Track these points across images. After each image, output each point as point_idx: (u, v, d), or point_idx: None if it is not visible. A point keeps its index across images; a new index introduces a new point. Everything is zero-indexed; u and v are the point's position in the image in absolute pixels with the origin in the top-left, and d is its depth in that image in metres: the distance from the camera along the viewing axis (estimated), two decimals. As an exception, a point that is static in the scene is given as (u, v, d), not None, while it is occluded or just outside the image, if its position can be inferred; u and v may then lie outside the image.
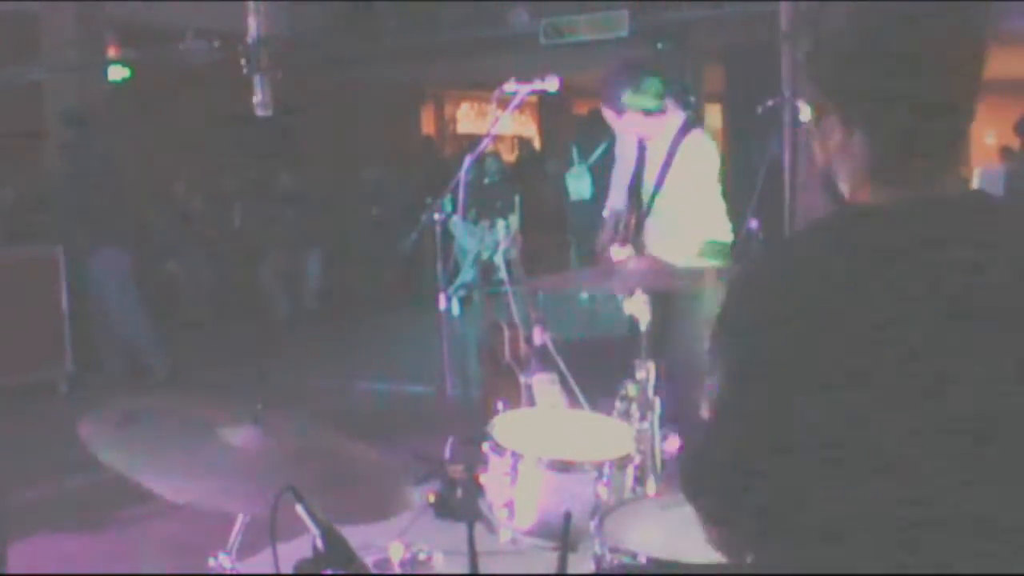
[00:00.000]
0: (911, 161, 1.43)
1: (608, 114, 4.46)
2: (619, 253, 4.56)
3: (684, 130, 4.44)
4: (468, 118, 17.82)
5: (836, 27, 1.47)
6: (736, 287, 1.49)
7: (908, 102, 1.41)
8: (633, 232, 4.49)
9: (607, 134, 5.35)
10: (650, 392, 2.92)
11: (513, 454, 2.76)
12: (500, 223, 7.04)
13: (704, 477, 1.53)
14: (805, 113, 1.52)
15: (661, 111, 4.36)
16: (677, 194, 4.42)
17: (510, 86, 4.58)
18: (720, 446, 1.48)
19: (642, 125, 4.41)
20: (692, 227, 4.41)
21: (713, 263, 4.09)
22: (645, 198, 4.51)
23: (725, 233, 4.53)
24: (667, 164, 4.44)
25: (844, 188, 1.50)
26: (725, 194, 4.48)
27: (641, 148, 4.55)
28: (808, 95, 1.53)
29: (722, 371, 1.47)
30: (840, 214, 1.48)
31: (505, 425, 2.96)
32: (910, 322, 1.36)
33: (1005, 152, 10.93)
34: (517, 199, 11.46)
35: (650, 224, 4.50)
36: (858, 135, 1.45)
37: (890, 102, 1.42)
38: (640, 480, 2.78)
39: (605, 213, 4.85)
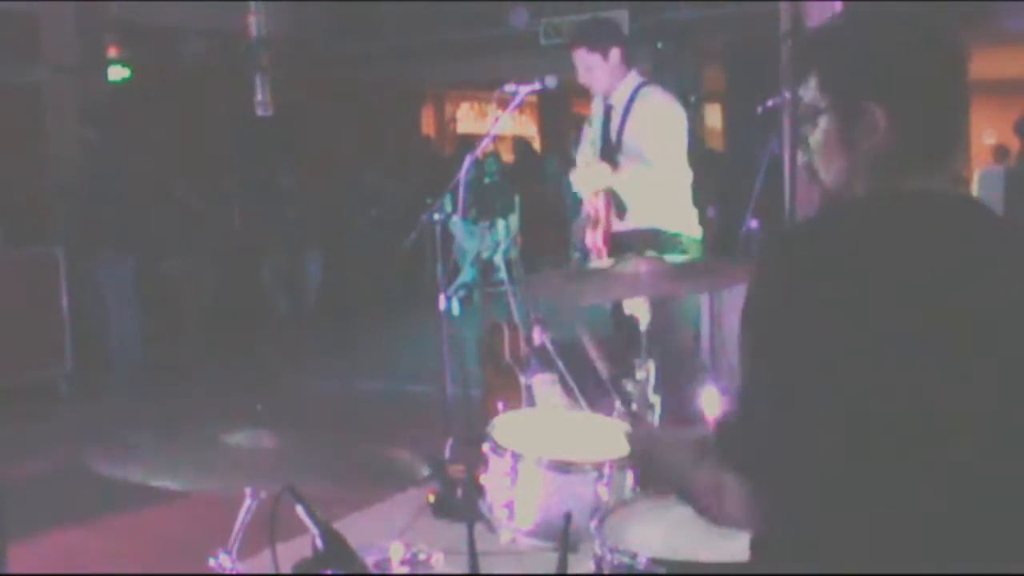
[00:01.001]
0: (940, 152, 1.50)
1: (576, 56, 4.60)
2: (592, 238, 4.62)
3: (640, 87, 4.56)
4: (468, 118, 17.82)
5: (879, 35, 1.53)
6: (762, 273, 1.51)
7: (933, 84, 1.49)
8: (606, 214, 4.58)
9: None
10: (650, 392, 2.93)
11: (513, 454, 2.76)
12: (500, 223, 7.04)
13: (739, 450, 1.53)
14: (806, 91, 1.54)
15: (601, 49, 4.49)
16: (636, 150, 4.49)
17: (510, 86, 4.60)
18: (750, 422, 1.50)
19: (596, 70, 4.51)
20: (656, 188, 4.47)
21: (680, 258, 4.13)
22: (610, 160, 4.59)
23: (687, 219, 4.59)
24: (623, 120, 4.54)
25: (828, 178, 1.55)
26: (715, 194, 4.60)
27: (607, 109, 4.62)
28: (821, 93, 1.54)
29: (748, 355, 1.50)
30: (869, 198, 1.51)
31: (505, 425, 2.96)
32: (923, 309, 1.39)
33: (999, 151, 10.91)
34: (517, 199, 11.47)
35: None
36: (881, 110, 1.49)
37: (915, 80, 1.49)
38: (640, 481, 2.78)
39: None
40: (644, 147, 4.49)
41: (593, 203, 4.64)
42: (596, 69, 4.53)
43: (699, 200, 4.68)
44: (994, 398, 1.38)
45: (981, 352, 1.38)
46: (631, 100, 4.55)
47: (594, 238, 4.65)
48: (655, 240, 4.29)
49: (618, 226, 4.59)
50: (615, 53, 4.54)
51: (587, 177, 4.56)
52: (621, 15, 10.86)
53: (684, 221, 4.58)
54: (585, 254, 4.81)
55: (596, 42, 4.55)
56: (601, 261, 4.42)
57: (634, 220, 4.55)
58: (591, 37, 4.61)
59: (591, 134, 4.75)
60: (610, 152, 4.62)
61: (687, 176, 4.61)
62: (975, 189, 8.62)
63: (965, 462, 1.37)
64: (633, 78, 4.59)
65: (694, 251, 4.56)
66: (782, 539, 1.50)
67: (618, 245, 4.45)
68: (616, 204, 4.58)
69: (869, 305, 1.40)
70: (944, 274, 1.41)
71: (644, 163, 4.49)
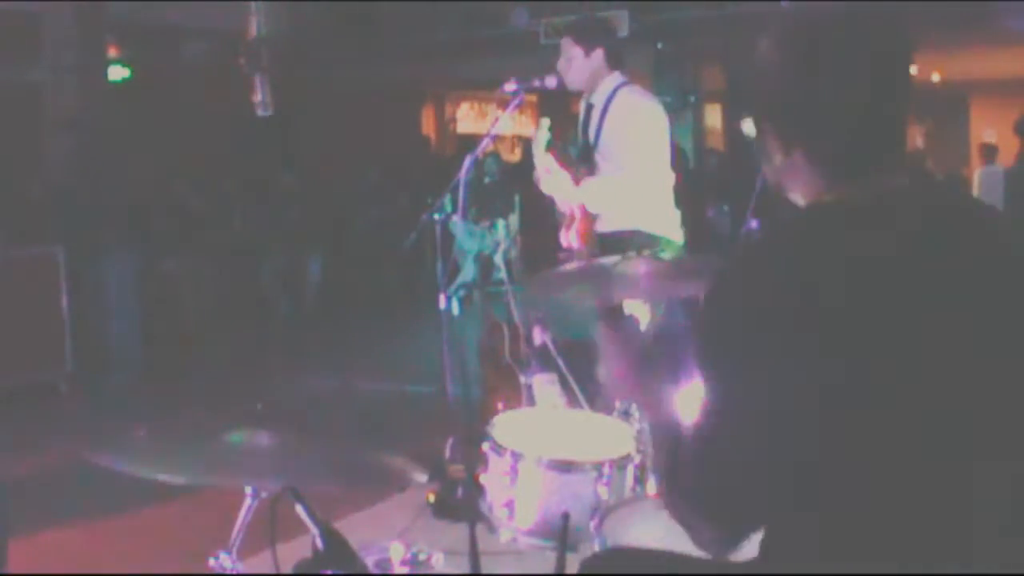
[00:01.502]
0: (856, 167, 1.47)
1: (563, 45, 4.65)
2: (568, 237, 4.63)
3: (619, 87, 4.57)
4: (468, 118, 17.82)
5: (764, 51, 1.51)
6: (717, 289, 1.50)
7: (839, 113, 1.45)
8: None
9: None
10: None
11: (513, 454, 2.76)
12: (500, 223, 7.04)
13: (699, 477, 1.51)
14: (749, 127, 1.55)
15: (585, 45, 4.52)
16: (612, 150, 4.50)
17: (510, 86, 4.60)
18: (715, 445, 1.48)
19: (574, 62, 4.54)
20: (626, 194, 4.48)
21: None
22: (586, 159, 4.61)
23: (668, 222, 4.59)
24: (601, 120, 4.56)
25: (798, 200, 1.54)
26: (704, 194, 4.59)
27: (587, 108, 4.63)
28: (752, 119, 1.57)
29: (711, 372, 1.47)
30: (807, 212, 1.52)
31: (505, 425, 2.96)
32: (887, 312, 1.38)
33: (986, 149, 10.86)
34: (517, 199, 11.46)
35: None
36: (798, 152, 1.49)
37: (822, 115, 1.46)
38: (640, 480, 2.78)
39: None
40: (620, 148, 4.49)
41: (568, 203, 4.64)
42: (574, 61, 4.56)
43: (700, 199, 4.69)
44: (961, 397, 1.37)
45: (949, 351, 1.38)
46: (609, 100, 4.56)
47: (568, 237, 4.65)
48: (636, 242, 4.27)
49: (599, 227, 4.60)
50: (598, 53, 4.56)
51: (552, 185, 4.57)
52: (621, 15, 10.87)
53: (665, 224, 4.58)
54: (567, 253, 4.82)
55: (582, 36, 4.59)
56: (601, 260, 4.41)
57: (616, 222, 4.55)
58: (579, 30, 4.66)
59: (544, 137, 4.76)
60: (587, 151, 4.62)
61: (667, 178, 4.61)
62: (975, 189, 8.62)
63: (942, 464, 1.37)
64: (615, 79, 4.60)
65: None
66: (769, 544, 1.51)
67: (602, 247, 4.46)
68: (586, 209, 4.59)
69: (815, 314, 1.38)
70: (890, 275, 1.39)
71: (616, 167, 4.49)
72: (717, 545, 1.56)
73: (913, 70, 1.50)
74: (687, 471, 1.52)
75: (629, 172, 4.47)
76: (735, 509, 1.49)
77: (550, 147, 4.55)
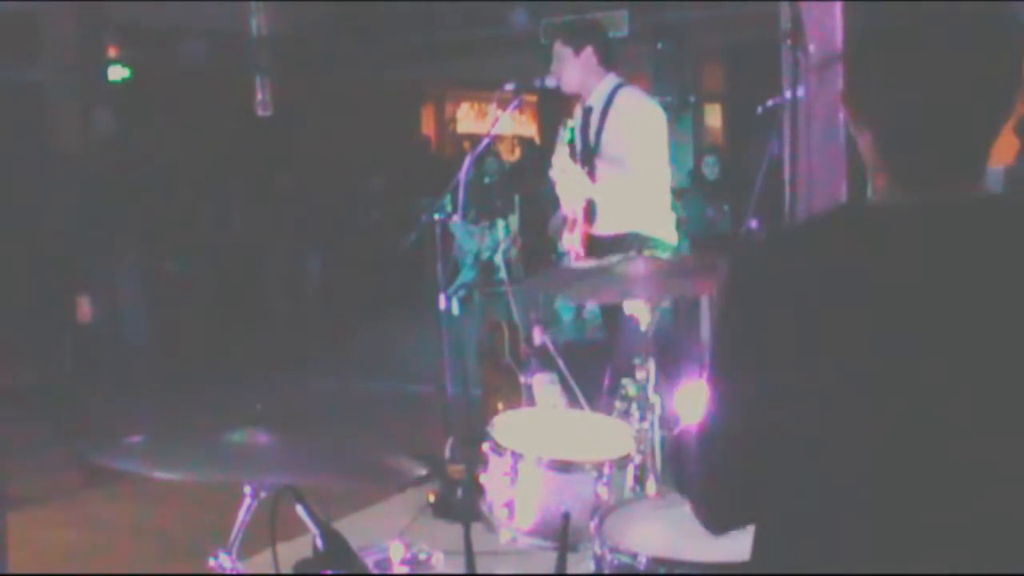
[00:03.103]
0: (917, 165, 1.40)
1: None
2: (569, 240, 4.64)
3: (617, 89, 4.58)
4: (468, 118, 17.81)
5: (847, 31, 1.47)
6: (736, 277, 1.49)
7: (912, 105, 1.37)
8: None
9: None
10: (650, 392, 2.93)
11: (513, 454, 2.76)
12: (500, 223, 7.04)
13: (699, 459, 1.52)
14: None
15: (574, 45, 4.55)
16: (614, 151, 4.50)
17: (510, 86, 4.61)
18: (717, 431, 1.48)
19: (565, 63, 4.56)
20: (633, 192, 4.48)
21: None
22: (587, 162, 4.61)
23: (664, 224, 4.59)
24: (601, 122, 4.56)
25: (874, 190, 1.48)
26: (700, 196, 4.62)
27: (586, 111, 4.63)
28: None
29: (720, 358, 1.48)
30: (843, 209, 1.48)
31: (505, 425, 2.96)
32: (902, 321, 1.36)
33: None
34: (517, 199, 11.45)
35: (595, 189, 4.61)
36: (868, 137, 1.43)
37: (893, 105, 1.39)
38: (640, 480, 2.78)
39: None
40: (621, 149, 4.49)
41: (571, 205, 4.64)
42: (566, 62, 4.57)
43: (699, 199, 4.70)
44: (961, 406, 1.36)
45: (965, 366, 1.36)
46: (608, 102, 4.56)
47: (571, 240, 4.65)
48: (632, 245, 4.27)
49: (596, 230, 4.60)
50: (587, 52, 4.56)
51: (570, 186, 4.57)
52: (621, 15, 10.88)
53: (661, 226, 4.58)
54: (565, 256, 4.82)
55: (570, 36, 4.60)
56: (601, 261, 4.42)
57: (612, 225, 4.55)
58: (567, 31, 4.69)
59: (566, 136, 4.77)
60: (587, 154, 4.62)
61: (665, 179, 4.62)
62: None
63: (942, 475, 1.37)
64: (611, 80, 4.61)
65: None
66: (764, 548, 1.51)
67: (597, 249, 4.47)
68: (590, 212, 4.59)
69: (820, 318, 1.37)
70: (902, 288, 1.36)
71: (620, 167, 4.49)
72: (713, 527, 1.58)
73: (1019, 76, 1.37)
74: (686, 460, 1.55)
75: (632, 172, 4.47)
76: (725, 502, 1.52)
77: (571, 146, 4.58)
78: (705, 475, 1.51)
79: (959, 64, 1.35)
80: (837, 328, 1.37)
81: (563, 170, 4.52)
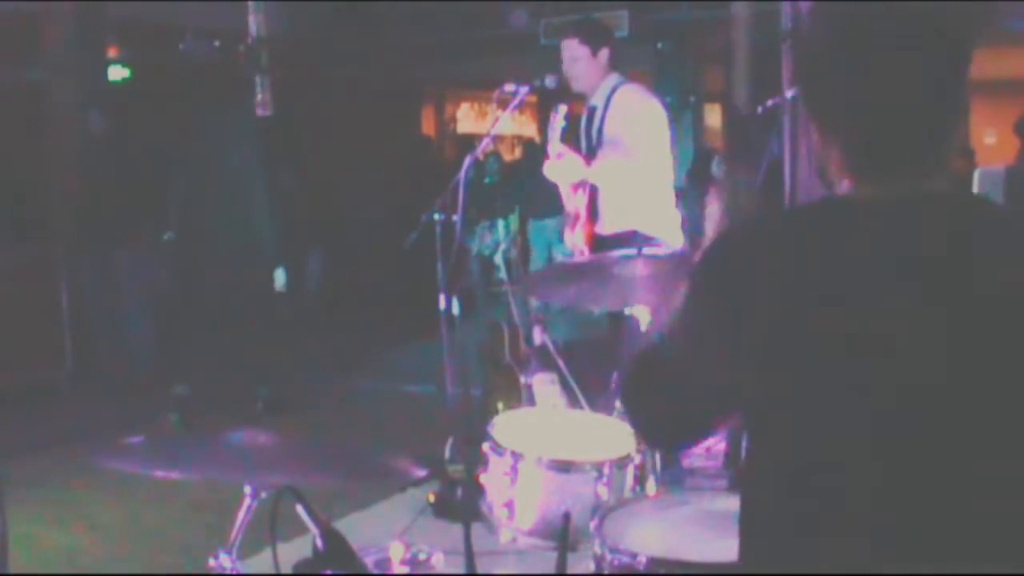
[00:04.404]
0: (881, 162, 1.44)
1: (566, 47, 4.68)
2: (572, 239, 4.63)
3: (619, 86, 4.60)
4: (468, 118, 17.81)
5: (806, 33, 1.50)
6: (710, 255, 1.54)
7: (873, 105, 1.41)
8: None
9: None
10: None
11: (513, 454, 2.76)
12: (500, 223, 7.05)
13: (643, 387, 1.67)
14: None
15: (592, 45, 4.57)
16: (616, 144, 4.49)
17: (510, 86, 4.60)
18: (666, 369, 1.60)
19: (580, 62, 4.58)
20: (634, 183, 4.48)
21: None
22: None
23: (667, 223, 4.59)
24: (603, 117, 4.58)
25: (837, 189, 1.52)
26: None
27: (589, 110, 4.64)
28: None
29: (681, 319, 1.55)
30: (815, 204, 1.52)
31: (505, 425, 2.96)
32: (868, 313, 1.38)
33: (964, 151, 10.79)
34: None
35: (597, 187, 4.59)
36: (831, 137, 1.47)
37: (855, 105, 1.43)
38: (640, 480, 2.78)
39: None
40: (624, 142, 4.49)
41: (574, 202, 4.64)
42: (581, 61, 4.58)
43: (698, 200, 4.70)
44: (931, 394, 1.37)
45: (932, 357, 1.37)
46: (609, 99, 4.57)
47: (574, 238, 4.64)
48: (634, 243, 4.27)
49: (599, 229, 4.59)
50: (604, 53, 4.59)
51: (560, 169, 4.55)
52: (621, 15, 10.88)
53: (664, 225, 4.57)
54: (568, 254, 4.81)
55: (589, 36, 4.61)
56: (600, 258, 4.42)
57: (615, 223, 4.55)
58: (586, 31, 4.67)
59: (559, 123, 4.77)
60: (591, 151, 4.62)
61: (668, 178, 4.61)
62: (975, 188, 8.61)
63: (930, 467, 1.38)
64: (613, 78, 4.62)
65: None
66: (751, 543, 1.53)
67: (601, 248, 4.46)
68: (593, 210, 4.58)
69: (779, 313, 1.41)
70: (888, 283, 1.38)
71: (623, 156, 4.49)
72: (650, 441, 1.81)
73: (967, 71, 1.43)
74: (627, 374, 1.70)
75: (638, 163, 4.48)
76: (660, 421, 1.66)
77: (565, 135, 4.57)
78: (651, 403, 1.65)
79: (908, 64, 1.40)
80: (801, 314, 1.40)
81: (558, 155, 4.50)
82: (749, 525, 1.52)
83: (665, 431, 1.69)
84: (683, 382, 1.56)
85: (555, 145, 4.50)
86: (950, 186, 1.46)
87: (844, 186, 1.48)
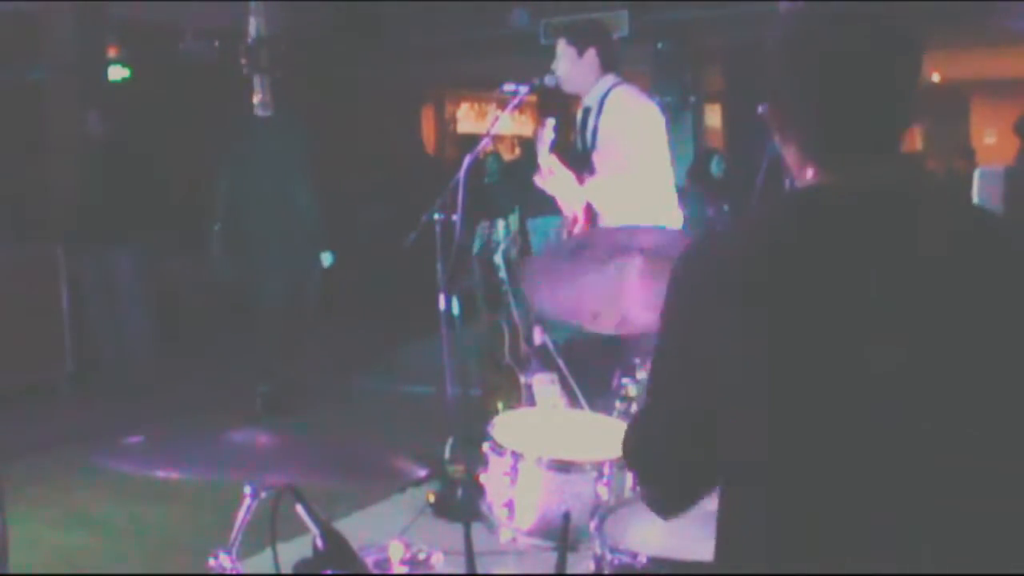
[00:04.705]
0: (839, 152, 1.50)
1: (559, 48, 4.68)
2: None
3: (613, 88, 4.58)
4: (468, 118, 17.82)
5: (771, 34, 1.56)
6: (681, 265, 1.56)
7: (827, 100, 1.49)
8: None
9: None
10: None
11: (513, 454, 2.76)
12: (500, 223, 7.04)
13: (645, 443, 1.64)
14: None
15: (578, 45, 4.57)
16: (609, 150, 4.50)
17: (510, 86, 4.60)
18: (661, 415, 1.58)
19: (567, 62, 4.58)
20: (631, 192, 4.47)
21: None
22: (584, 161, 4.61)
23: (669, 223, 4.59)
24: (597, 120, 4.58)
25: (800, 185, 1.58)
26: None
27: (584, 112, 4.64)
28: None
29: (664, 345, 1.56)
30: (778, 198, 1.57)
31: (505, 425, 2.96)
32: (837, 302, 1.41)
33: (963, 150, 10.81)
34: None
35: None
36: (792, 136, 1.54)
37: (810, 101, 1.50)
38: (640, 480, 2.78)
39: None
40: (617, 148, 4.48)
41: (572, 205, 4.64)
42: (568, 62, 4.58)
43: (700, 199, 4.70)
44: (909, 387, 1.38)
45: (899, 342, 1.39)
46: (603, 101, 4.56)
47: None
48: None
49: None
50: (591, 53, 4.57)
51: (553, 185, 4.56)
52: (621, 15, 10.87)
53: (666, 225, 4.57)
54: None
55: (575, 37, 4.61)
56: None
57: (616, 224, 4.53)
58: (572, 31, 4.69)
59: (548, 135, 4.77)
60: (585, 155, 4.62)
61: (668, 178, 4.60)
62: (974, 188, 8.61)
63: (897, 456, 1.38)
64: (608, 80, 4.60)
65: None
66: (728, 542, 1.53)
67: None
68: (591, 213, 4.58)
69: (755, 295, 1.44)
70: (840, 267, 1.42)
71: (616, 165, 4.48)
72: (659, 506, 1.69)
73: (918, 66, 1.52)
74: (629, 433, 1.67)
75: (631, 171, 4.46)
76: (672, 483, 1.63)
77: (554, 148, 4.55)
78: (653, 457, 1.62)
79: (865, 61, 1.48)
80: (775, 311, 1.43)
81: (551, 171, 4.50)
82: (725, 529, 1.54)
83: (674, 480, 1.64)
84: (682, 420, 1.54)
85: (545, 158, 4.51)
86: (903, 172, 1.51)
87: (806, 177, 1.53)
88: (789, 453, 1.41)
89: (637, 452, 1.65)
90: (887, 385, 1.37)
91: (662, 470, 1.62)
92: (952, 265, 1.42)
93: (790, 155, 1.56)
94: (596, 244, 3.17)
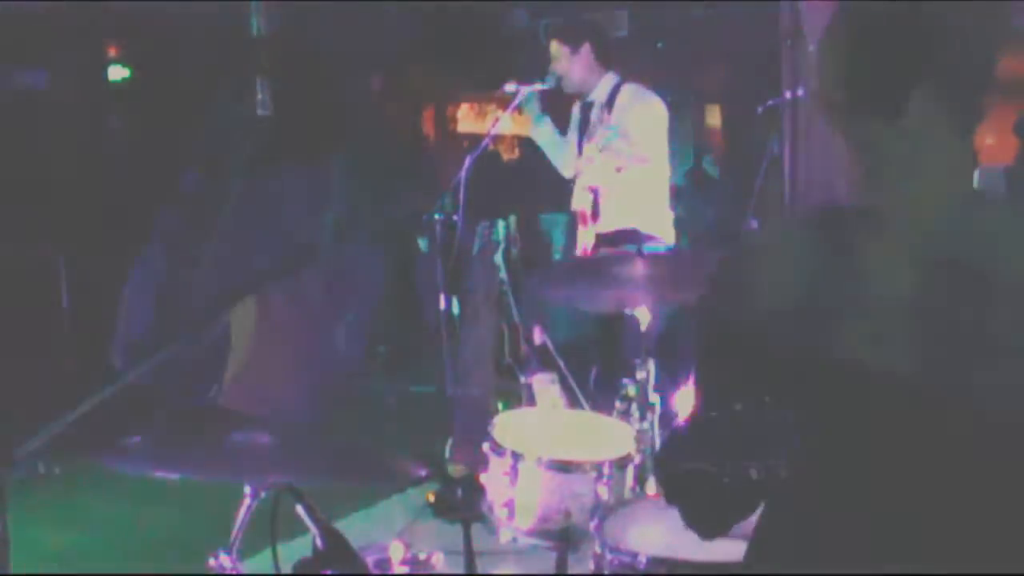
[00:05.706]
0: (885, 165, 1.44)
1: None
2: (584, 236, 4.64)
3: (621, 83, 4.63)
4: (468, 118, 17.80)
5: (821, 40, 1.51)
6: (718, 272, 1.55)
7: (876, 109, 1.43)
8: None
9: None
10: (650, 392, 2.93)
11: (513, 454, 2.76)
12: (500, 223, 7.04)
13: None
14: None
15: (571, 43, 4.62)
16: (620, 143, 4.51)
17: (510, 86, 4.62)
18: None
19: (563, 60, 4.63)
20: (649, 182, 4.50)
21: None
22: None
23: (663, 223, 4.60)
24: (608, 115, 4.60)
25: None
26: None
27: (584, 108, 4.65)
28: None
29: (700, 359, 1.55)
30: (815, 210, 1.54)
31: (505, 425, 2.96)
32: (851, 302, 1.40)
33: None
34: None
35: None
36: (838, 139, 1.48)
37: (854, 109, 1.44)
38: (640, 480, 2.78)
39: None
40: (638, 140, 4.51)
41: (581, 201, 4.65)
42: (563, 60, 4.62)
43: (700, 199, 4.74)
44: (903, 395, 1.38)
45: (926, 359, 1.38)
46: (613, 96, 4.60)
47: (584, 237, 4.65)
48: (632, 241, 4.28)
49: (599, 228, 4.61)
50: (585, 48, 4.62)
51: (594, 174, 4.57)
52: (621, 15, 10.87)
53: (660, 225, 4.60)
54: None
55: (566, 35, 4.65)
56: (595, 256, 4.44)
57: (614, 221, 4.56)
58: (563, 30, 4.75)
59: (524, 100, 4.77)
60: (582, 150, 4.65)
61: (665, 176, 4.63)
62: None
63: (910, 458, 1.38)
64: (611, 78, 4.65)
65: None
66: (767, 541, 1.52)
67: (599, 245, 4.48)
68: (594, 209, 4.60)
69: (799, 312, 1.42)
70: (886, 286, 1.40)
71: (635, 157, 4.51)
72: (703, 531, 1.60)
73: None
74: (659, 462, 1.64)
75: (648, 163, 4.51)
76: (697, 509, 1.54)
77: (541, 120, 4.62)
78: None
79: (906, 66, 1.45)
80: (801, 326, 1.41)
81: (589, 159, 4.54)
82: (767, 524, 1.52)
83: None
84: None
85: (540, 127, 4.55)
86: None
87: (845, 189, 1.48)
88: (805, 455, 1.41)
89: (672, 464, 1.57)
90: (897, 383, 1.37)
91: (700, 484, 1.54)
92: (954, 263, 1.40)
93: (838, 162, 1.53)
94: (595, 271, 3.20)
